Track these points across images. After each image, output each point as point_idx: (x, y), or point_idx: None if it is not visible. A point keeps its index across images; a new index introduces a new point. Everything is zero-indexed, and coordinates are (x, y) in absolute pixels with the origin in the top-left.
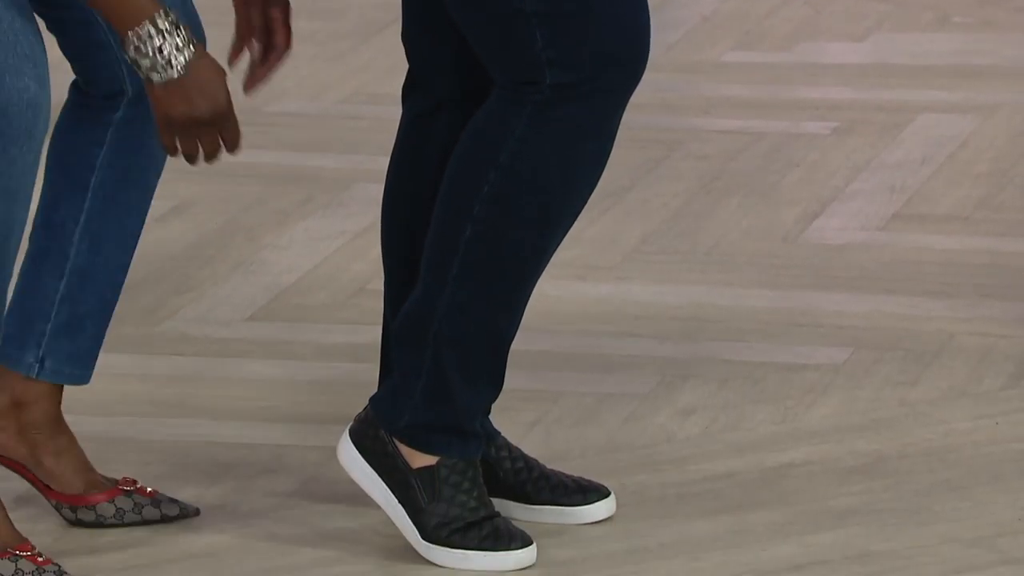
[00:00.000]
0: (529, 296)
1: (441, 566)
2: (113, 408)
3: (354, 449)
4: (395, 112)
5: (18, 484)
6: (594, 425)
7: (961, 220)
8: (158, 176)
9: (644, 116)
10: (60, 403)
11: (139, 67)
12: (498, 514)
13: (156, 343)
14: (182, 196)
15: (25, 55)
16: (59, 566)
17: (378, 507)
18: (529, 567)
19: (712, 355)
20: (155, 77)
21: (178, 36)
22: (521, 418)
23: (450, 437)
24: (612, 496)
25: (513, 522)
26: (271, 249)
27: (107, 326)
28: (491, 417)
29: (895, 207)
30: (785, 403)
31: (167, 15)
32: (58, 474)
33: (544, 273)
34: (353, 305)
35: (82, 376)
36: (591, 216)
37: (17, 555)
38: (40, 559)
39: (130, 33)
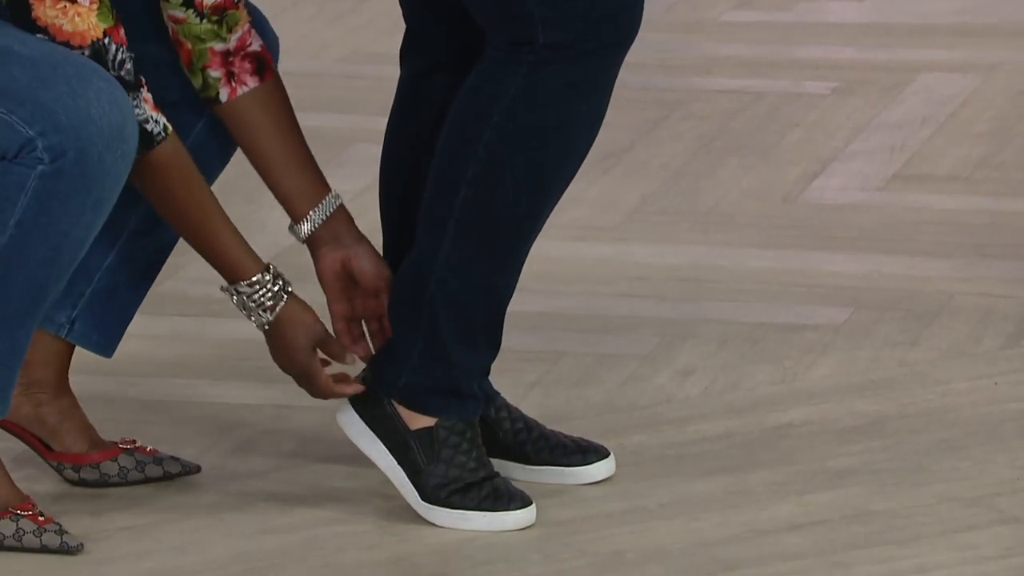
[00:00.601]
0: (525, 257)
1: (441, 526)
2: (114, 368)
3: (353, 411)
4: (395, 72)
5: (15, 444)
6: (594, 386)
7: (961, 180)
8: (223, 165)
9: (644, 76)
10: (68, 366)
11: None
12: (497, 474)
13: (157, 303)
14: None
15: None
16: (60, 525)
17: (378, 468)
18: (528, 527)
19: (712, 315)
20: (254, 322)
21: (263, 294)
22: (521, 379)
23: (448, 398)
24: (611, 456)
25: (512, 483)
26: (270, 209)
27: (140, 302)
28: (490, 378)
29: (895, 167)
30: (784, 363)
31: (260, 275)
32: (62, 434)
33: (544, 234)
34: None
35: (107, 347)
36: (591, 177)
37: (18, 514)
38: (41, 518)
39: (224, 287)
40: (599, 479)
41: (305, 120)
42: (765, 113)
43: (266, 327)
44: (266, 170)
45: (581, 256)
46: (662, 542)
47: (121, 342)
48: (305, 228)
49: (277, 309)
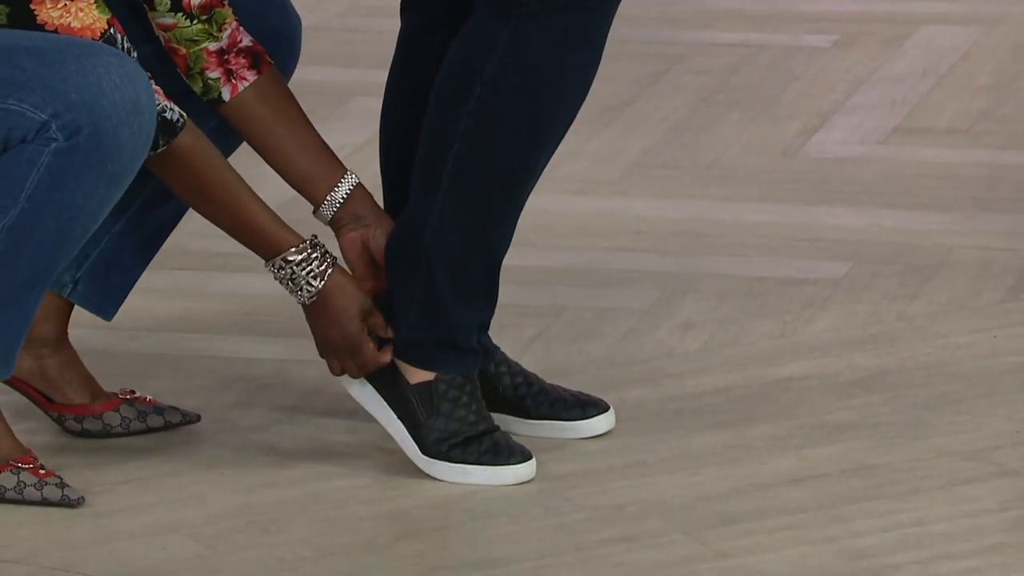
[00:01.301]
0: (519, 211)
1: (441, 480)
2: (114, 322)
3: None
4: (394, 25)
5: (15, 398)
6: (594, 340)
7: (962, 133)
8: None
9: (645, 29)
10: (68, 322)
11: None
12: (497, 428)
13: (157, 257)
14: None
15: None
16: (61, 478)
17: (378, 422)
18: (528, 481)
19: (712, 270)
20: (297, 299)
21: (311, 265)
22: (521, 333)
23: (446, 352)
24: (611, 411)
25: (512, 437)
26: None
27: (144, 269)
28: (490, 333)
29: (896, 120)
30: (784, 317)
31: (303, 246)
32: (63, 385)
33: (543, 188)
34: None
35: (108, 310)
36: (591, 130)
37: (19, 467)
38: (42, 471)
39: (267, 263)
40: (599, 433)
41: (305, 74)
42: (766, 66)
43: (313, 298)
44: (278, 160)
45: (581, 210)
46: (662, 496)
47: None
48: (326, 212)
49: (326, 277)
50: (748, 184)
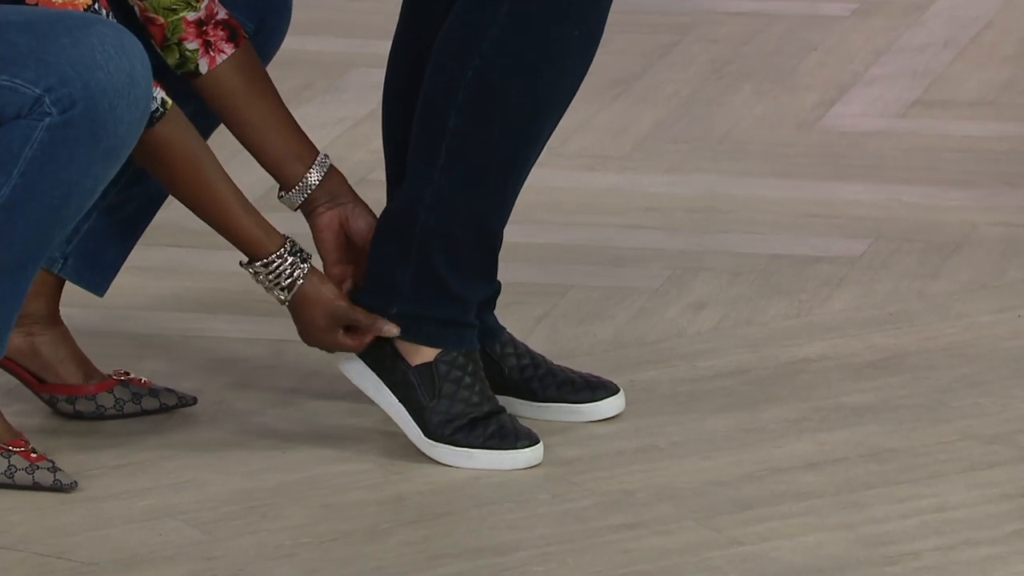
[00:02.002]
0: (519, 188)
1: (444, 464)
2: (107, 301)
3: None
4: None
5: (4, 379)
6: (603, 320)
7: (985, 105)
8: None
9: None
10: (59, 299)
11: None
12: (503, 410)
13: (151, 234)
14: None
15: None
16: (53, 463)
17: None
18: (536, 466)
19: (725, 247)
20: (275, 299)
21: (279, 276)
22: (527, 313)
23: (443, 328)
24: (621, 393)
25: (519, 420)
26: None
27: (136, 242)
28: (495, 312)
29: (916, 92)
30: (800, 296)
31: (274, 256)
32: (55, 365)
33: (551, 163)
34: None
35: (100, 285)
36: (599, 103)
37: (10, 451)
38: (34, 455)
39: (242, 264)
40: (608, 416)
41: (303, 44)
42: (781, 36)
43: (286, 304)
44: (253, 137)
45: (589, 186)
46: (673, 481)
47: None
48: (300, 193)
49: (294, 288)
50: (762, 159)
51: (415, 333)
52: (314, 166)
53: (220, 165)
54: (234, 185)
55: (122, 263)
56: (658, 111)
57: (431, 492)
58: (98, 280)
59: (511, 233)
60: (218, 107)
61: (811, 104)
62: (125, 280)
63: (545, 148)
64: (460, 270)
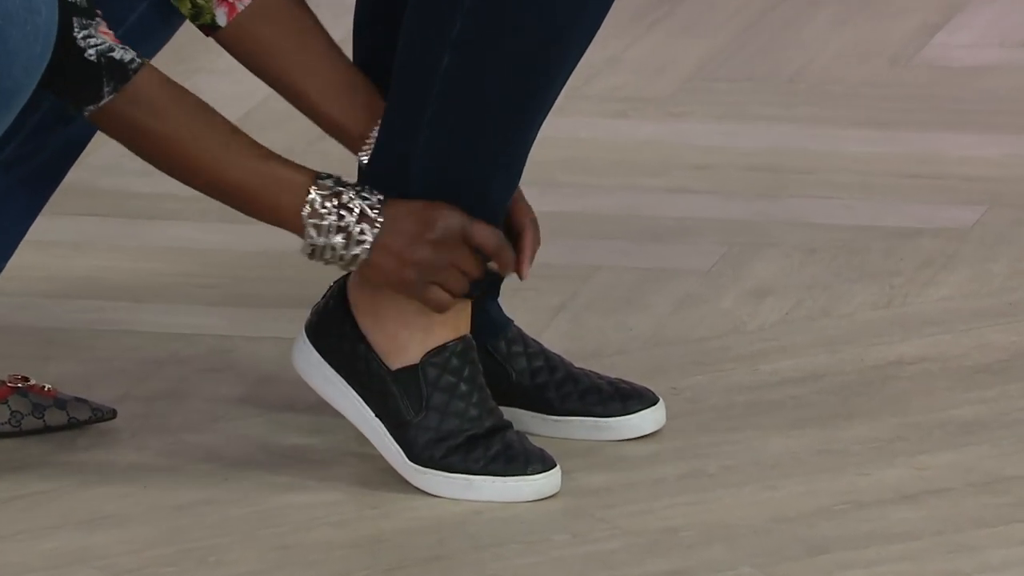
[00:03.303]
0: (528, 147)
1: (436, 496)
2: (1, 286)
3: (313, 351)
4: None
5: None
6: (638, 311)
7: None
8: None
9: None
10: None
11: (333, 252)
12: (509, 426)
13: (58, 199)
14: None
15: None
16: None
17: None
18: (551, 497)
19: (795, 217)
20: (346, 263)
21: (356, 195)
22: (541, 301)
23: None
24: (660, 404)
25: (530, 438)
26: (206, 74)
27: (40, 208)
28: (500, 300)
29: None
30: (892, 281)
31: (324, 180)
32: None
33: (571, 108)
34: (317, 152)
35: None
36: (634, 32)
37: None
38: None
39: (304, 224)
40: (644, 433)
41: None
42: None
43: (379, 231)
44: (303, 96)
45: (621, 137)
46: (727, 517)
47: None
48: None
49: (379, 197)
50: (844, 103)
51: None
52: (364, 147)
53: (221, 116)
54: (245, 135)
55: (22, 235)
56: (708, 42)
57: (417, 531)
58: None
59: (508, 201)
60: (253, 67)
61: (908, 32)
62: (24, 259)
63: (564, 89)
64: None
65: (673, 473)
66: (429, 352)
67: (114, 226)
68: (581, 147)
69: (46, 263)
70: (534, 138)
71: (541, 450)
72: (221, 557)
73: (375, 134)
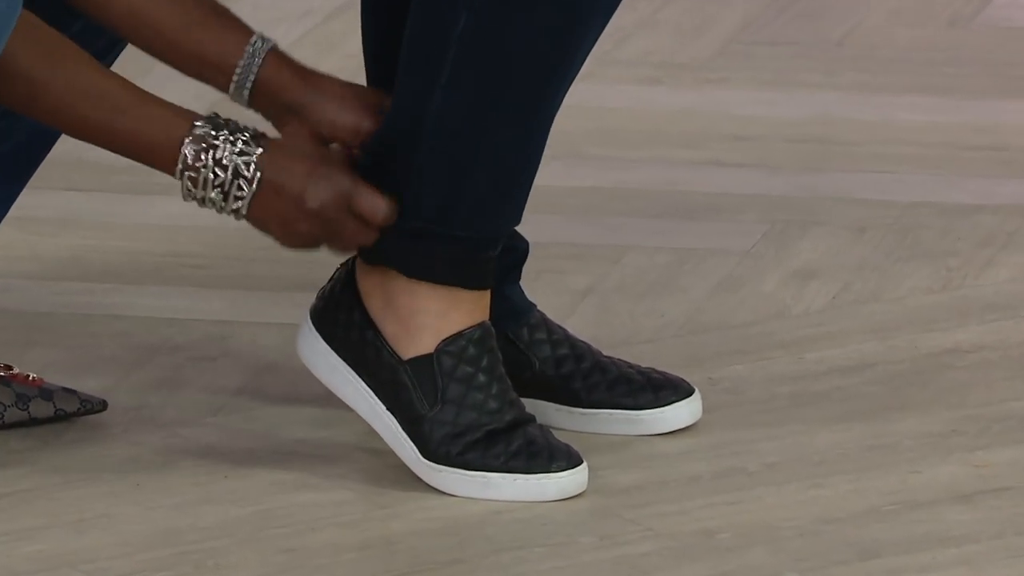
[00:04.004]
0: (551, 116)
1: (452, 495)
2: None
3: (319, 339)
4: None
5: None
6: (672, 294)
7: None
8: None
9: None
10: None
11: (214, 205)
12: (532, 419)
13: (41, 173)
14: None
15: None
16: None
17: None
18: (577, 496)
19: (844, 192)
20: (231, 213)
21: (233, 138)
22: (567, 284)
23: (455, 266)
24: (696, 395)
25: (554, 433)
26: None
27: (21, 188)
28: (522, 283)
29: None
30: (949, 262)
31: (205, 121)
32: None
33: (599, 74)
34: None
35: None
36: None
37: None
38: None
39: (175, 169)
40: (678, 427)
41: None
42: None
43: (248, 198)
44: (157, 43)
45: (654, 106)
46: (769, 518)
47: None
48: (232, 91)
49: (255, 153)
50: (898, 68)
51: (417, 268)
52: (237, 68)
53: (96, 62)
54: (126, 84)
55: (3, 214)
56: (749, 2)
57: (432, 533)
58: None
59: (545, 173)
60: (102, 20)
61: None
62: (5, 236)
63: (592, 54)
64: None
65: (709, 471)
66: (444, 340)
67: (102, 201)
68: (610, 117)
69: (29, 242)
70: (558, 106)
71: (566, 445)
72: (220, 561)
73: (244, 61)
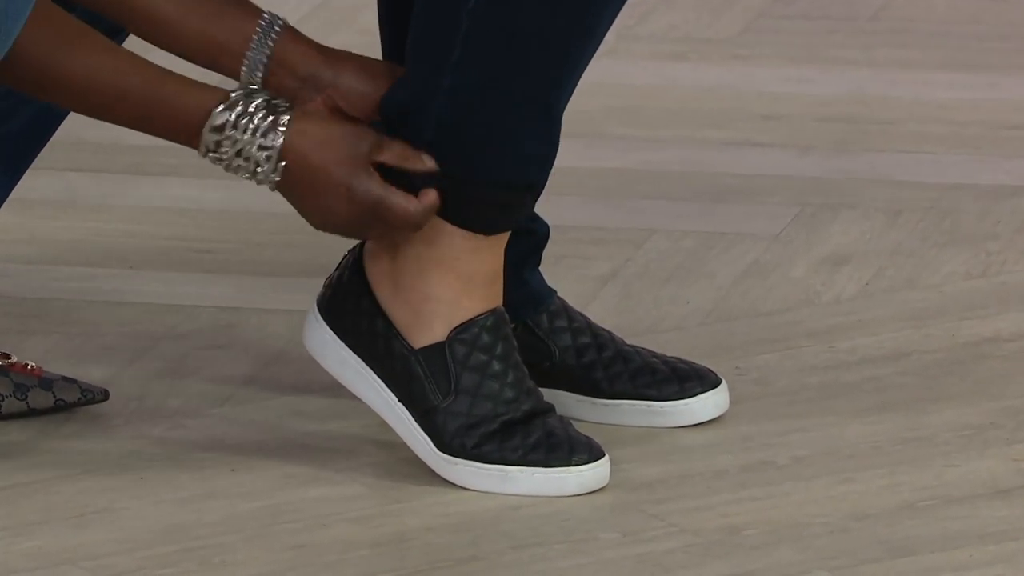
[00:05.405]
0: (569, 94)
1: (467, 489)
2: None
3: (327, 329)
4: None
5: None
6: (697, 280)
7: None
8: None
9: None
10: None
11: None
12: (551, 410)
13: (43, 155)
14: None
15: None
16: None
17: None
18: (599, 491)
19: (878, 173)
20: (264, 183)
21: (253, 120)
22: (588, 270)
23: (488, 211)
24: (723, 386)
25: (574, 424)
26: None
27: (22, 173)
28: (541, 268)
29: None
30: (988, 246)
31: (233, 99)
32: None
33: (620, 50)
34: None
35: None
36: None
37: None
38: None
39: (200, 149)
40: (705, 419)
41: None
42: None
43: (277, 170)
44: (163, 32)
45: (678, 83)
46: (798, 514)
47: None
48: (244, 76)
49: (283, 128)
50: (933, 43)
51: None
52: (250, 47)
53: (110, 43)
54: (140, 61)
55: (4, 198)
56: None
57: (447, 529)
58: None
59: (564, 154)
60: (103, 9)
61: None
62: (3, 219)
63: (613, 28)
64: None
65: (736, 464)
66: (456, 328)
67: (104, 183)
68: (633, 95)
69: (27, 225)
70: (575, 84)
71: (587, 438)
72: (227, 557)
73: (257, 38)
